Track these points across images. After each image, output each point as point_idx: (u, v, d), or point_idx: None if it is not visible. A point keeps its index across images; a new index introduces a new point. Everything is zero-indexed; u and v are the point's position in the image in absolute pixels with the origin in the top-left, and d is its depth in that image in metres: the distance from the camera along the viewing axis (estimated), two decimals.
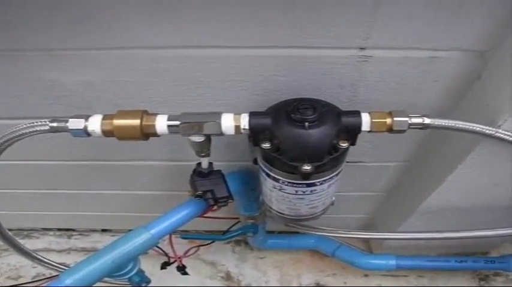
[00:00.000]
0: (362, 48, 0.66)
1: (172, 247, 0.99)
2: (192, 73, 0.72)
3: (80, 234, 1.54)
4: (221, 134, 0.64)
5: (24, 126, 0.64)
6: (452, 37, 0.65)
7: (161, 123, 0.63)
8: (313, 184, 0.69)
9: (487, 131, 0.65)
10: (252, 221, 1.12)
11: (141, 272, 0.87)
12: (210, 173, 0.80)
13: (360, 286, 1.41)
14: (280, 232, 1.42)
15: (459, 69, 0.70)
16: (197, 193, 0.78)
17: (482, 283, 1.39)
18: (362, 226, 1.40)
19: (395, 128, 0.63)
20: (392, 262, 1.24)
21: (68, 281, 0.73)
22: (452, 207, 0.98)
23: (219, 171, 0.81)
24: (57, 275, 0.77)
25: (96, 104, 0.79)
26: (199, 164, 0.79)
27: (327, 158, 0.63)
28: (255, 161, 0.75)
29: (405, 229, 1.12)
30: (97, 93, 0.77)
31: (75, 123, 0.63)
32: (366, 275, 1.41)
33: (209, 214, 0.88)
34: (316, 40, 0.65)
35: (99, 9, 0.62)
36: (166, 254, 1.03)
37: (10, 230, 0.90)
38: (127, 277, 0.83)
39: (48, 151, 0.97)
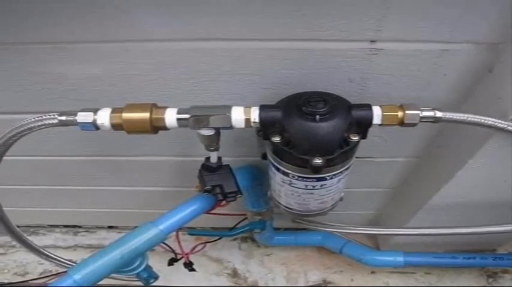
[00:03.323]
0: (373, 41, 0.66)
1: (179, 243, 0.98)
2: (200, 66, 0.72)
3: (86, 231, 1.54)
4: (231, 127, 0.63)
5: (33, 119, 0.63)
6: (464, 29, 0.64)
7: (171, 117, 0.63)
8: (324, 178, 0.68)
9: (499, 125, 0.64)
10: (260, 217, 1.12)
11: (149, 268, 0.87)
12: (219, 168, 0.79)
13: (366, 283, 1.40)
14: (286, 229, 1.42)
15: (470, 62, 0.70)
16: (206, 187, 0.78)
17: (490, 280, 1.39)
18: (368, 222, 1.39)
19: (406, 121, 0.63)
20: (400, 259, 1.23)
21: (77, 277, 0.73)
22: (460, 203, 0.98)
23: (227, 165, 0.81)
24: (64, 272, 0.77)
25: (102, 98, 0.78)
26: (207, 158, 0.78)
27: (338, 152, 0.63)
28: (264, 156, 0.75)
29: (413, 226, 1.11)
30: (104, 87, 0.77)
31: (84, 117, 0.62)
32: (373, 272, 1.41)
33: (216, 210, 0.87)
34: (327, 33, 0.65)
35: (106, 2, 0.62)
36: (173, 251, 1.03)
37: (17, 226, 0.89)
38: (135, 272, 0.83)
39: (55, 146, 0.96)
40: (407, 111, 0.63)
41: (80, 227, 1.54)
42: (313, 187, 0.70)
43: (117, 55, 0.71)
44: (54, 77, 0.75)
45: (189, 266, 1.06)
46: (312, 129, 0.61)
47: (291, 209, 0.82)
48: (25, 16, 0.64)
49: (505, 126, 0.64)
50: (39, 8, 0.63)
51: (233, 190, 0.79)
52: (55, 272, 1.37)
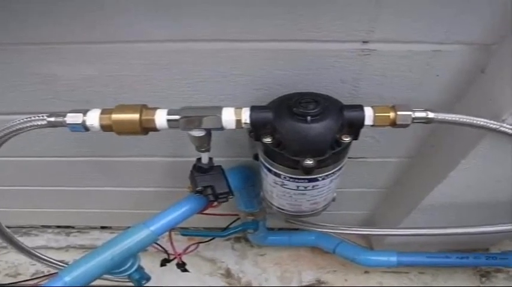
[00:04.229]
0: (365, 42, 0.65)
1: (172, 243, 0.98)
2: (192, 67, 0.72)
3: (79, 231, 1.53)
4: (222, 128, 0.63)
5: (22, 121, 0.63)
6: (456, 30, 0.64)
7: (161, 118, 0.62)
8: (315, 179, 0.68)
9: (491, 125, 0.64)
10: (252, 217, 1.11)
11: (141, 269, 0.86)
12: (210, 169, 0.79)
13: (360, 283, 1.40)
14: (280, 229, 1.42)
15: (462, 63, 0.69)
16: (197, 188, 0.78)
17: (483, 279, 1.39)
18: (362, 222, 1.39)
19: (398, 122, 0.63)
20: (394, 258, 1.24)
21: (67, 279, 0.73)
22: (454, 203, 0.98)
23: (219, 166, 0.81)
24: (56, 273, 0.76)
25: (95, 99, 0.78)
26: (199, 159, 0.78)
27: (330, 153, 0.63)
28: (256, 157, 0.75)
29: (406, 226, 1.12)
30: (97, 87, 0.76)
31: (73, 118, 0.62)
32: (366, 272, 1.41)
33: (209, 211, 0.87)
34: (319, 34, 0.64)
35: (99, 3, 0.61)
36: (166, 251, 1.02)
37: (9, 227, 0.89)
38: (127, 274, 0.83)
39: (47, 147, 0.96)
40: (399, 112, 0.62)
41: (72, 227, 1.53)
42: (305, 187, 0.70)
43: (111, 56, 0.70)
44: (46, 77, 0.74)
45: (181, 266, 1.06)
46: (303, 130, 0.61)
47: (283, 210, 0.81)
48: (17, 17, 0.63)
49: (497, 127, 0.64)
50: (32, 8, 0.62)
51: (224, 191, 0.78)
52: (47, 273, 1.37)
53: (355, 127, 0.64)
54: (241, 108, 0.63)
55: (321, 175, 0.67)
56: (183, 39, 0.67)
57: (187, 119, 0.62)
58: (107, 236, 1.49)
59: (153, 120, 0.62)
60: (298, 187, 0.70)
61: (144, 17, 0.63)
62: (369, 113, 0.63)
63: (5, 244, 0.91)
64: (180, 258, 1.04)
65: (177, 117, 0.62)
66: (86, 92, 0.77)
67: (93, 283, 0.76)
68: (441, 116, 0.63)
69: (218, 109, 0.62)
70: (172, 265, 1.05)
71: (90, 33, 0.66)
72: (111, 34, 0.66)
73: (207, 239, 1.24)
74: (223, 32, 0.65)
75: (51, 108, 0.67)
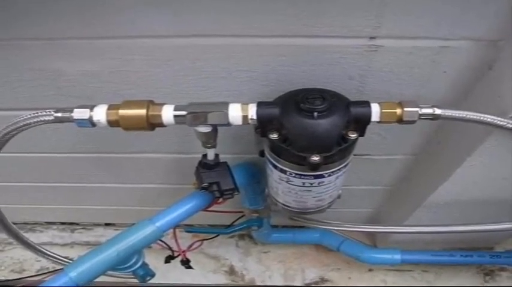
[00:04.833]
0: (372, 38, 0.65)
1: (176, 240, 0.98)
2: (197, 63, 0.71)
3: (83, 228, 1.54)
4: (228, 124, 0.63)
5: (29, 116, 0.63)
6: (463, 26, 0.63)
7: (168, 114, 0.62)
8: (321, 176, 0.68)
9: (499, 122, 0.64)
10: (257, 214, 1.11)
11: (145, 266, 0.86)
12: (216, 165, 0.79)
13: (364, 281, 1.40)
14: (284, 226, 1.42)
15: (470, 60, 0.69)
16: (203, 185, 0.77)
17: (487, 278, 1.39)
18: (367, 219, 1.39)
19: (405, 118, 0.62)
20: (398, 256, 1.24)
21: (73, 274, 0.73)
22: (459, 201, 0.97)
23: (224, 163, 0.80)
24: (61, 269, 0.76)
25: (99, 95, 0.78)
26: (205, 155, 0.78)
27: (336, 149, 0.63)
28: (261, 154, 0.74)
29: (410, 223, 1.11)
30: (100, 83, 0.76)
31: (80, 113, 0.62)
32: (370, 270, 1.41)
33: (214, 208, 0.87)
34: (325, 29, 0.64)
35: None
36: (170, 248, 1.02)
37: (14, 223, 0.89)
38: (131, 270, 0.83)
39: (52, 143, 0.96)
40: (406, 109, 0.62)
41: (77, 224, 1.54)
42: (311, 184, 0.70)
43: (114, 51, 0.70)
44: (49, 73, 0.74)
45: (186, 263, 1.06)
46: (309, 126, 0.61)
47: (288, 206, 0.81)
48: (20, 12, 0.63)
49: (505, 123, 0.64)
50: (37, 3, 0.62)
51: (230, 187, 0.78)
52: (52, 269, 1.37)
53: (361, 123, 0.63)
54: (247, 104, 0.63)
55: (326, 172, 0.67)
56: (184, 34, 0.66)
57: (194, 115, 0.62)
58: (111, 233, 1.50)
59: (159, 116, 0.62)
60: (303, 183, 0.70)
61: (145, 11, 0.63)
62: (375, 109, 0.63)
63: (10, 240, 0.92)
64: (184, 255, 1.04)
65: (183, 113, 0.62)
66: (87, 87, 0.77)
67: (98, 279, 0.77)
68: (448, 112, 0.63)
69: (225, 105, 0.62)
70: (176, 262, 1.05)
71: (92, 29, 0.66)
72: (113, 30, 0.66)
73: (211, 236, 1.24)
74: (224, 27, 0.65)
75: (53, 104, 0.67)
